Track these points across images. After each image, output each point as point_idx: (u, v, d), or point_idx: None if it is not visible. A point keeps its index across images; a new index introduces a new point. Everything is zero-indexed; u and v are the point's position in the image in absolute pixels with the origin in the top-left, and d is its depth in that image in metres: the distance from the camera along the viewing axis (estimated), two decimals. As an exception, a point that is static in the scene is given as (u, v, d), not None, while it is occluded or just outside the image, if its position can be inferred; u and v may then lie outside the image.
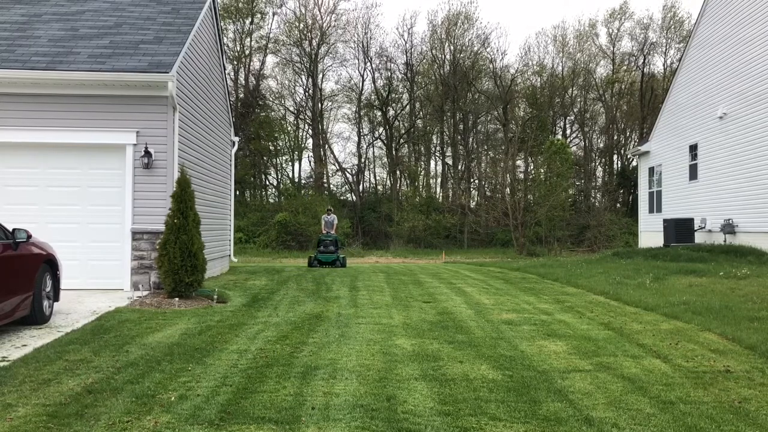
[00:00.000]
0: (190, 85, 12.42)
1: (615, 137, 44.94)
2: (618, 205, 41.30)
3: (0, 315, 6.54)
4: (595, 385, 5.20)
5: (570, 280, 13.33)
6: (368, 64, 43.46)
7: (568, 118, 46.17)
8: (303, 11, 42.46)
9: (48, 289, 7.76)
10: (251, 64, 42.81)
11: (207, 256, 10.39)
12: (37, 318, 7.43)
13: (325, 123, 44.17)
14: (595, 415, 4.43)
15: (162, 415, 4.33)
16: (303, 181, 43.51)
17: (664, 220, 19.66)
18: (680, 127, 20.76)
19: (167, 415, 4.34)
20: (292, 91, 44.36)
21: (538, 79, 45.03)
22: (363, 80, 43.67)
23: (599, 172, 46.09)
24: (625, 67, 44.93)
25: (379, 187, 44.71)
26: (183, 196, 9.52)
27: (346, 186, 44.13)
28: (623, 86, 44.55)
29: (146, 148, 10.69)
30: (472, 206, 39.85)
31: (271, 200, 42.78)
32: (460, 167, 43.10)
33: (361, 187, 43.12)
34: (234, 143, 17.66)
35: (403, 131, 44.10)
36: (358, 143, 43.83)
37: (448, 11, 54.24)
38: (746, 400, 4.79)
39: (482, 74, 43.80)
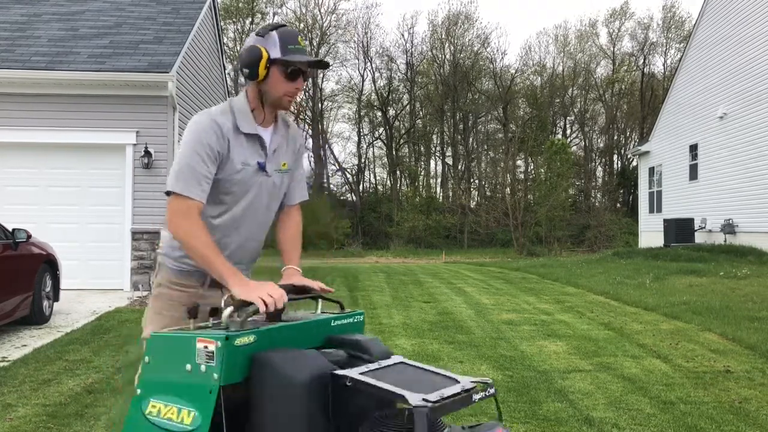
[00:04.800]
0: (190, 85, 12.42)
1: (615, 137, 44.90)
2: (618, 205, 41.26)
3: (0, 315, 6.54)
4: (595, 385, 5.20)
5: (570, 280, 13.33)
6: (368, 64, 43.46)
7: (568, 118, 46.14)
8: (303, 11, 42.50)
9: (48, 289, 7.75)
10: (251, 64, 42.77)
11: (207, 256, 10.38)
12: (37, 318, 7.43)
13: (325, 123, 44.15)
14: (595, 415, 4.43)
15: (162, 415, 4.32)
16: (303, 181, 43.46)
17: (665, 220, 19.64)
18: (680, 127, 20.75)
19: (167, 415, 4.34)
20: (293, 91, 44.31)
21: (539, 79, 45.02)
22: (363, 80, 43.66)
23: (599, 172, 46.05)
24: (625, 67, 44.89)
25: (379, 187, 44.68)
26: (183, 196, 9.51)
27: (346, 186, 44.11)
28: (623, 86, 44.51)
29: (146, 148, 10.69)
30: (472, 206, 39.82)
31: (272, 200, 42.75)
32: (460, 167, 43.07)
33: (361, 187, 43.10)
34: (234, 143, 17.65)
35: (403, 131, 44.08)
36: (358, 143, 43.80)
37: (449, 11, 54.24)
38: (746, 400, 4.79)
39: (482, 74, 43.76)
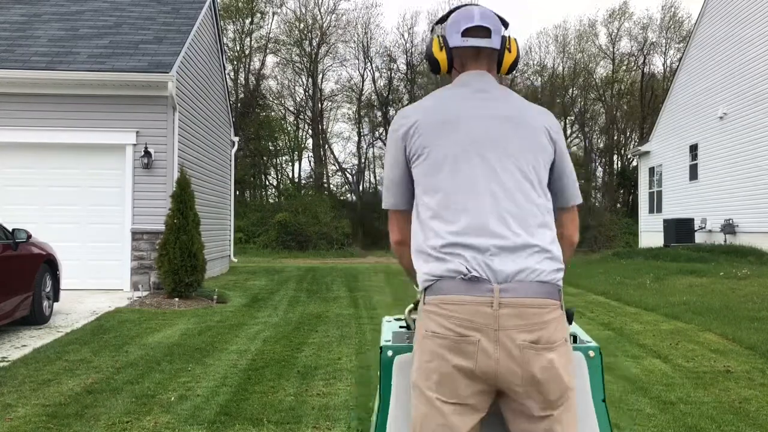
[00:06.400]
0: (190, 85, 12.42)
1: (615, 137, 44.91)
2: (618, 205, 41.27)
3: (0, 315, 6.54)
4: (595, 385, 5.19)
5: (570, 281, 13.32)
6: (368, 64, 43.46)
7: (569, 118, 46.15)
8: (303, 11, 42.44)
9: (48, 289, 7.75)
10: (251, 64, 42.78)
11: (207, 256, 10.38)
12: (37, 318, 7.43)
13: (325, 123, 44.14)
14: (595, 416, 4.42)
15: (162, 415, 4.33)
16: (303, 181, 43.48)
17: (665, 221, 19.64)
18: (680, 127, 20.75)
19: (167, 415, 4.34)
20: (292, 91, 44.29)
21: (539, 79, 45.03)
22: (363, 80, 43.63)
23: (599, 172, 46.06)
24: (624, 67, 44.92)
25: (379, 187, 44.65)
26: (183, 196, 9.52)
27: (346, 186, 44.13)
28: (623, 86, 44.52)
29: (146, 148, 10.69)
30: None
31: (271, 200, 42.73)
32: (460, 167, 43.02)
33: (361, 187, 43.09)
34: (234, 143, 17.65)
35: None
36: (358, 143, 43.79)
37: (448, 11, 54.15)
38: (746, 400, 4.78)
39: (482, 74, 43.77)
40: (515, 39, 2.07)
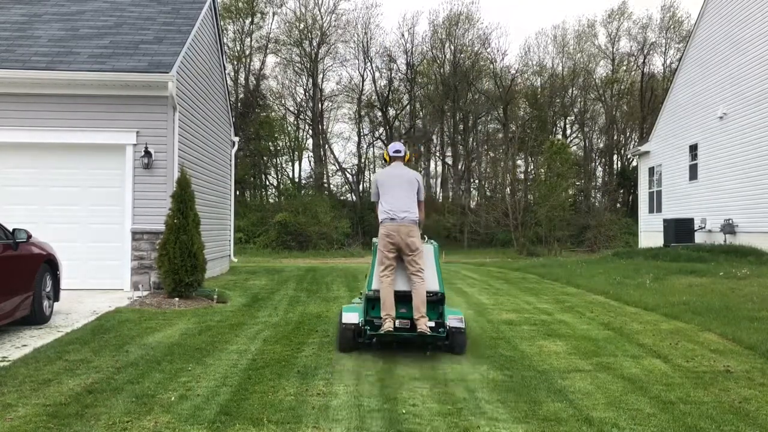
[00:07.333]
0: (190, 85, 12.42)
1: (615, 137, 44.92)
2: (618, 205, 41.27)
3: (0, 315, 6.54)
4: (595, 385, 5.21)
5: (570, 280, 13.33)
6: (368, 64, 43.47)
7: (568, 118, 46.15)
8: (303, 11, 42.44)
9: (48, 289, 7.75)
10: (251, 64, 42.78)
11: (207, 256, 10.38)
12: (38, 318, 7.43)
13: (325, 123, 44.14)
14: (595, 415, 4.43)
15: (162, 415, 4.33)
16: (303, 181, 43.48)
17: (664, 220, 19.65)
18: (680, 127, 20.76)
19: (167, 415, 4.35)
20: (293, 91, 44.31)
21: (538, 79, 45.03)
22: (363, 80, 43.64)
23: (599, 172, 46.07)
24: (624, 67, 44.93)
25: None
26: (183, 196, 9.52)
27: (346, 186, 44.13)
28: (623, 86, 44.53)
29: (146, 148, 10.69)
30: (472, 206, 39.83)
31: (271, 200, 42.73)
32: (460, 167, 43.09)
33: (361, 187, 43.08)
34: (234, 143, 17.65)
35: (403, 131, 44.08)
36: (358, 143, 43.83)
37: (449, 11, 54.17)
38: (746, 400, 4.79)
39: (482, 74, 43.77)
40: (408, 152, 7.06)
